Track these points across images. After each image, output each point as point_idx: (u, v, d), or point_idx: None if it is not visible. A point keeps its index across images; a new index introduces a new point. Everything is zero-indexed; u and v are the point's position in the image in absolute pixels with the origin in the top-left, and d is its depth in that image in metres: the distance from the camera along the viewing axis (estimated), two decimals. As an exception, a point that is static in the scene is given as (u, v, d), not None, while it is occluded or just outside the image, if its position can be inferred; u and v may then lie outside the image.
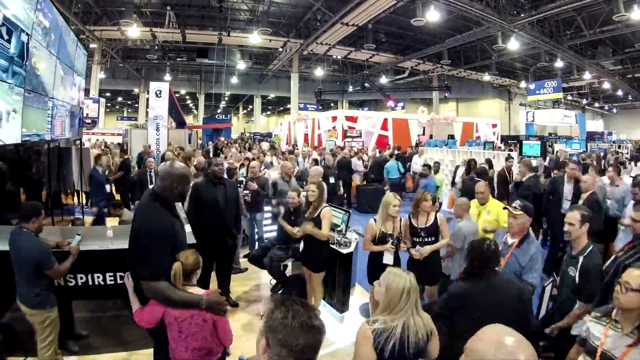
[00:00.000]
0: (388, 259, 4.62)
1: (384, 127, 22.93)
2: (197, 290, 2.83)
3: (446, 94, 31.09)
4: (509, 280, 3.18)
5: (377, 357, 2.33)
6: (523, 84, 31.20)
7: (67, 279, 4.25)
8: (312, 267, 5.09)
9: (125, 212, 6.67)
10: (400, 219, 4.79)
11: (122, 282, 4.06)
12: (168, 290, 2.72)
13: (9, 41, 4.52)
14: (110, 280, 4.32)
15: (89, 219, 9.16)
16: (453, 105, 40.73)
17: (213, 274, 5.54)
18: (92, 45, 24.43)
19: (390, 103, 31.04)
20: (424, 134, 24.98)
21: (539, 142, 15.07)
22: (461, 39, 22.08)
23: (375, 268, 4.78)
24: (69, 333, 4.38)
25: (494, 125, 28.26)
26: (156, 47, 26.91)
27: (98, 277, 4.33)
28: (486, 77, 31.96)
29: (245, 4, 21.56)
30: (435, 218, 4.78)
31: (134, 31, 21.93)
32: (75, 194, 10.61)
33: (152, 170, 9.10)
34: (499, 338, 1.35)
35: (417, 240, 4.74)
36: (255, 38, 22.16)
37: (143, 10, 21.67)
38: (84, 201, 10.56)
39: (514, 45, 20.96)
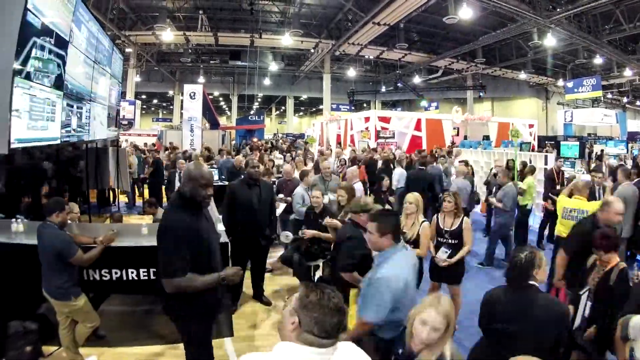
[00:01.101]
0: None
1: (418, 127, 22.59)
2: None
3: (481, 94, 30.30)
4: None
5: None
6: (560, 82, 30.14)
7: (102, 274, 4.39)
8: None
9: (159, 211, 6.82)
10: (423, 221, 4.77)
11: (155, 277, 4.20)
12: (186, 282, 2.82)
13: (49, 48, 4.70)
14: (144, 275, 4.46)
15: (125, 216, 9.43)
16: (488, 104, 39.72)
17: (247, 273, 5.63)
18: (127, 50, 25.19)
19: (424, 102, 30.69)
20: (458, 135, 24.54)
21: (578, 143, 14.56)
22: (495, 36, 21.49)
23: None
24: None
25: (531, 126, 27.30)
26: (190, 51, 27.49)
27: (132, 273, 4.48)
28: (522, 76, 31.05)
29: (276, 6, 21.72)
30: (462, 222, 4.80)
31: (167, 35, 22.48)
32: (112, 192, 10.98)
33: (182, 171, 9.18)
34: None
35: (441, 241, 4.80)
36: (287, 39, 22.30)
37: (176, 15, 22.18)
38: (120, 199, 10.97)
39: (550, 41, 20.24)
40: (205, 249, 3.00)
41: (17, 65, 3.98)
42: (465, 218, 4.87)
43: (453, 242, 4.74)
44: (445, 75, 32.02)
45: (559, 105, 34.70)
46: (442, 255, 4.78)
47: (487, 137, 24.00)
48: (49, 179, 7.09)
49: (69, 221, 4.26)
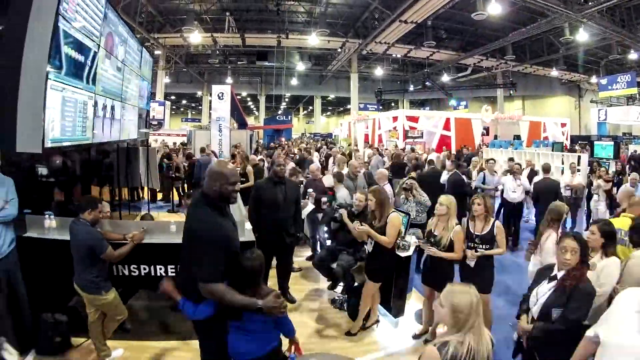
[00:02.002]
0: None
1: (447, 127, 22.37)
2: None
3: (511, 92, 29.69)
4: None
5: None
6: (594, 79, 29.27)
7: (131, 269, 4.53)
8: (370, 275, 4.94)
9: None
10: (457, 223, 4.65)
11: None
12: (224, 292, 2.78)
13: (80, 50, 4.88)
14: (172, 272, 4.54)
15: (155, 215, 9.65)
16: (519, 103, 38.83)
17: (272, 271, 5.73)
18: (156, 52, 25.90)
19: (453, 101, 30.30)
20: (488, 134, 24.14)
21: (612, 143, 14.18)
22: (526, 32, 21.01)
23: (423, 267, 4.91)
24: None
25: (563, 125, 26.69)
26: (217, 52, 27.89)
27: (160, 269, 4.59)
28: (554, 73, 30.27)
29: (302, 6, 21.85)
30: (493, 226, 4.57)
31: (195, 37, 22.89)
32: (142, 191, 11.26)
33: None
34: None
35: (471, 246, 4.58)
36: (314, 39, 22.41)
37: (203, 17, 22.59)
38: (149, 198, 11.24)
39: (582, 36, 19.75)
40: (234, 249, 2.99)
41: (50, 68, 4.13)
42: (497, 222, 4.64)
43: (484, 247, 4.53)
44: (475, 73, 31.57)
45: (592, 104, 33.36)
46: (471, 262, 4.59)
47: (518, 137, 23.62)
48: (80, 178, 7.31)
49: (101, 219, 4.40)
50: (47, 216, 4.62)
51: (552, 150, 14.06)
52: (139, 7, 19.42)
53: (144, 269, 4.58)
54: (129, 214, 9.32)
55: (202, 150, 12.32)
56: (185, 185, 12.69)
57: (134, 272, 4.58)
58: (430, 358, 2.23)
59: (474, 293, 2.33)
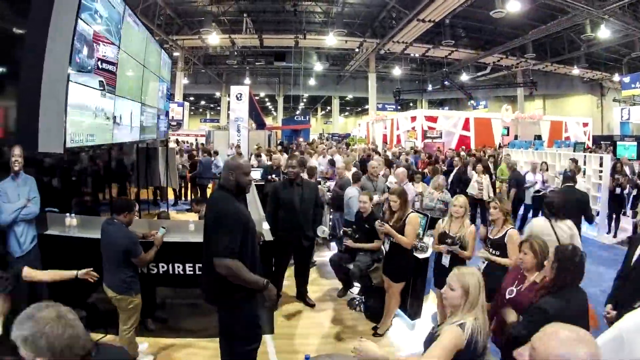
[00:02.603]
0: (445, 260, 4.51)
1: (466, 127, 22.19)
2: None
3: (532, 91, 29.23)
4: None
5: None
6: (616, 77, 28.54)
7: (150, 267, 4.62)
8: (392, 277, 4.90)
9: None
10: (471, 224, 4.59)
11: (200, 272, 4.36)
12: (238, 267, 2.97)
13: (100, 53, 4.99)
14: (190, 270, 4.62)
15: (174, 213, 9.78)
16: (539, 102, 38.12)
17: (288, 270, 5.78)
18: (175, 54, 26.28)
19: (472, 101, 29.99)
20: (508, 134, 23.81)
21: (636, 143, 13.88)
22: (546, 30, 20.64)
23: (436, 269, 4.78)
24: (150, 313, 4.75)
25: (585, 125, 26.21)
26: (235, 53, 28.11)
27: (178, 267, 4.67)
28: (575, 71, 29.58)
29: (319, 6, 21.87)
30: (506, 233, 4.34)
31: (213, 39, 23.19)
32: (161, 189, 11.43)
33: None
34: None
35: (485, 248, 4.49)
36: (331, 40, 22.44)
37: (221, 19, 22.79)
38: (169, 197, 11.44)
39: (604, 33, 19.24)
40: (250, 237, 3.18)
41: (70, 71, 4.24)
42: (511, 230, 4.35)
43: (495, 253, 4.33)
44: (494, 72, 31.13)
45: (615, 102, 32.54)
46: (444, 260, 4.54)
47: (538, 137, 23.20)
48: (100, 178, 7.48)
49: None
50: (68, 215, 4.74)
51: (574, 151, 13.75)
52: (157, 10, 19.71)
53: (162, 267, 4.66)
54: (148, 213, 9.47)
55: (205, 150, 12.50)
56: (189, 184, 12.84)
57: (152, 270, 4.65)
58: (455, 336, 2.34)
59: (478, 273, 2.54)
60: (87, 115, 4.83)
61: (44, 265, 4.25)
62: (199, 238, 4.46)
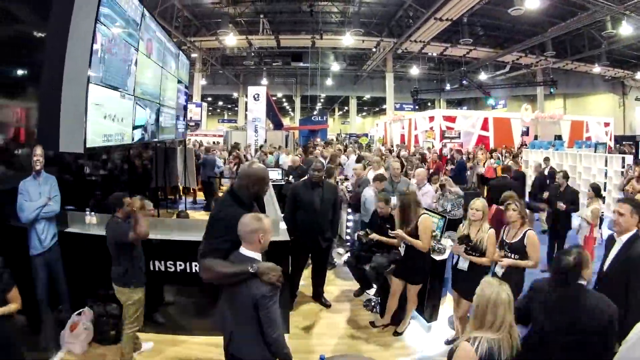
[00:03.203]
0: (462, 264, 4.44)
1: (485, 127, 21.95)
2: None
3: (552, 90, 28.52)
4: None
5: None
6: (639, 75, 28.15)
7: (167, 265, 4.71)
8: (410, 279, 4.87)
9: None
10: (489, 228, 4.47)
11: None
12: (215, 264, 2.76)
13: (119, 55, 5.09)
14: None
15: (191, 212, 9.91)
16: (560, 101, 37.38)
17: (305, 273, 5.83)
18: (193, 55, 26.54)
19: (491, 100, 29.65)
20: (527, 134, 23.47)
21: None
22: (565, 27, 20.19)
23: (453, 272, 4.68)
24: (164, 311, 4.86)
25: (607, 124, 25.61)
26: (252, 54, 28.32)
27: (195, 266, 4.71)
28: (596, 69, 28.94)
29: (335, 6, 21.86)
30: (524, 235, 4.29)
31: (231, 40, 23.46)
32: (179, 189, 11.61)
33: None
34: None
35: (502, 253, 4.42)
36: (348, 39, 22.44)
37: (238, 20, 22.97)
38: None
39: (626, 30, 18.66)
40: None
41: (90, 72, 4.35)
42: (529, 231, 4.30)
43: (514, 257, 4.29)
44: (513, 71, 30.66)
45: (638, 101, 31.97)
46: (462, 264, 4.44)
47: (559, 137, 22.70)
48: (119, 177, 7.64)
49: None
50: (88, 213, 4.86)
51: (595, 152, 13.44)
52: (175, 12, 19.96)
53: (180, 265, 4.74)
54: (166, 212, 9.62)
55: (207, 150, 12.64)
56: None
57: (170, 268, 4.74)
58: (464, 355, 2.32)
59: (500, 291, 2.41)
60: (107, 115, 4.93)
61: (65, 262, 4.38)
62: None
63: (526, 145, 19.48)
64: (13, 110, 4.36)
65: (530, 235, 4.25)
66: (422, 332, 5.21)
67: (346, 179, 9.62)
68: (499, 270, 4.39)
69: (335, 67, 30.54)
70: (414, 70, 31.02)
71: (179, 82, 9.35)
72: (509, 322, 2.37)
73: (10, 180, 4.09)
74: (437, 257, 5.12)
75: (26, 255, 4.17)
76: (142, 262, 4.19)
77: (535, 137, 22.85)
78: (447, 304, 5.68)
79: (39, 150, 4.11)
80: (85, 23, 4.27)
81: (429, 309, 5.31)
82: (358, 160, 9.95)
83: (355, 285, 6.13)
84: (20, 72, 4.51)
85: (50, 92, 4.26)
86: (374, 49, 27.22)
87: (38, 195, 4.12)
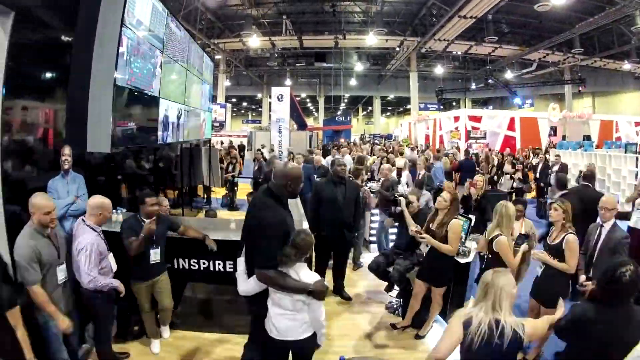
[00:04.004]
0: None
1: (511, 127, 21.58)
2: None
3: (580, 88, 27.86)
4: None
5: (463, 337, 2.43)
6: (672, 72, 27.25)
7: (191, 263, 4.81)
8: (433, 281, 4.77)
9: None
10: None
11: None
12: (277, 278, 3.02)
13: (144, 57, 5.23)
14: (230, 267, 4.74)
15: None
16: (588, 100, 36.24)
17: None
18: (217, 57, 27.01)
19: (518, 99, 29.14)
20: (555, 135, 22.95)
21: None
22: (593, 23, 19.65)
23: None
24: (186, 308, 4.96)
25: (638, 124, 24.75)
26: (276, 55, 28.64)
27: (219, 264, 4.83)
28: (626, 66, 28.00)
29: (358, 6, 21.89)
30: (564, 239, 4.07)
31: (254, 41, 23.77)
32: (204, 188, 11.78)
33: None
34: None
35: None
36: (371, 39, 22.41)
37: (261, 21, 23.25)
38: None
39: (656, 25, 18.38)
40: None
41: (117, 75, 4.48)
42: (569, 235, 4.06)
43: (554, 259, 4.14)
44: (540, 69, 30.09)
45: (670, 99, 30.98)
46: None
47: (587, 137, 22.10)
48: (146, 176, 7.80)
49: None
50: (115, 211, 4.99)
51: (625, 152, 13.00)
52: (198, 15, 20.27)
53: (203, 263, 4.83)
54: (191, 211, 9.79)
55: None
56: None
57: (194, 265, 4.83)
58: (455, 322, 2.54)
59: (509, 278, 2.54)
60: (133, 116, 5.07)
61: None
62: (239, 236, 4.71)
63: (553, 145, 19.07)
64: (42, 112, 4.50)
65: (569, 239, 4.05)
66: None
67: (370, 180, 9.61)
68: (538, 270, 4.31)
69: (359, 67, 30.52)
70: (439, 70, 30.82)
71: (204, 83, 9.50)
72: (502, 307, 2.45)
73: (40, 178, 4.23)
74: (462, 260, 5.02)
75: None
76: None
77: (563, 138, 22.31)
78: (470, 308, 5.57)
79: (67, 150, 4.25)
80: (110, 27, 4.40)
81: (452, 313, 5.15)
82: (360, 162, 9.93)
83: (379, 285, 6.08)
84: (49, 75, 4.65)
85: (78, 94, 4.40)
86: (397, 48, 27.14)
87: (66, 193, 4.25)
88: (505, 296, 2.43)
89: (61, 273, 3.50)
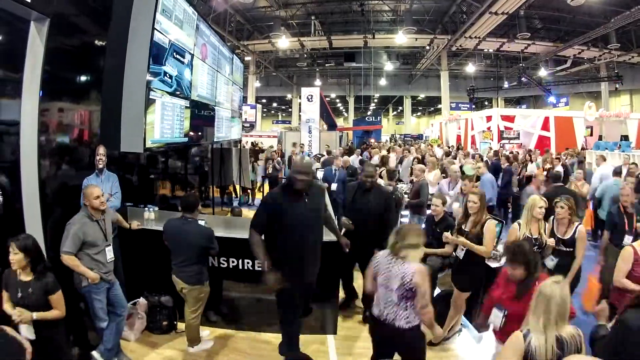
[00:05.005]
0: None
1: (545, 126, 20.83)
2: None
3: (617, 86, 26.76)
4: None
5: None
6: None
7: (220, 261, 4.91)
8: (458, 284, 4.67)
9: None
10: (545, 224, 4.42)
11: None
12: (251, 237, 3.77)
13: (176, 60, 5.37)
14: (258, 267, 4.77)
15: (245, 211, 10.20)
16: (626, 98, 34.50)
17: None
18: (247, 58, 27.33)
19: (552, 98, 28.40)
20: (591, 135, 22.18)
21: None
22: (630, 16, 18.36)
23: None
24: (213, 306, 4.97)
25: (678, 123, 23.91)
26: (305, 55, 28.79)
27: (248, 263, 4.92)
28: (666, 62, 27.19)
29: (386, 4, 21.74)
30: (575, 230, 4.35)
31: (283, 42, 23.95)
32: (234, 188, 11.99)
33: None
34: None
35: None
36: (401, 38, 22.23)
37: (290, 22, 23.41)
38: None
39: (699, 17, 17.52)
40: (288, 224, 3.72)
41: (149, 77, 4.63)
42: (580, 227, 4.41)
43: (567, 251, 4.37)
44: (575, 66, 29.02)
45: None
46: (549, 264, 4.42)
47: (625, 137, 21.23)
48: (178, 175, 8.01)
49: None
50: (147, 209, 5.15)
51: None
52: (228, 17, 20.58)
53: (233, 261, 4.93)
54: (221, 210, 9.96)
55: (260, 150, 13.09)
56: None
57: (223, 264, 4.93)
58: (513, 341, 2.38)
59: (561, 289, 2.40)
60: (165, 117, 5.22)
61: (123, 255, 4.65)
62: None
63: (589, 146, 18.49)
64: (77, 113, 4.69)
65: (581, 231, 4.38)
66: (472, 342, 4.94)
67: (399, 181, 9.55)
68: (551, 264, 4.36)
69: (389, 66, 30.33)
70: (470, 68, 30.27)
71: (234, 84, 9.67)
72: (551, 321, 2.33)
73: (75, 177, 4.40)
74: (492, 264, 4.86)
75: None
76: None
77: (600, 138, 21.54)
78: (501, 313, 5.41)
79: (101, 150, 4.43)
80: (142, 31, 4.55)
81: (480, 319, 4.97)
82: (384, 162, 9.89)
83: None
84: (83, 78, 4.85)
85: (112, 95, 4.57)
86: (427, 47, 26.81)
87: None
88: (565, 309, 2.36)
89: (109, 253, 4.00)
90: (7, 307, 3.13)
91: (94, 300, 3.84)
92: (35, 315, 3.09)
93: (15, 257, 3.07)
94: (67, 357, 3.54)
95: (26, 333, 3.05)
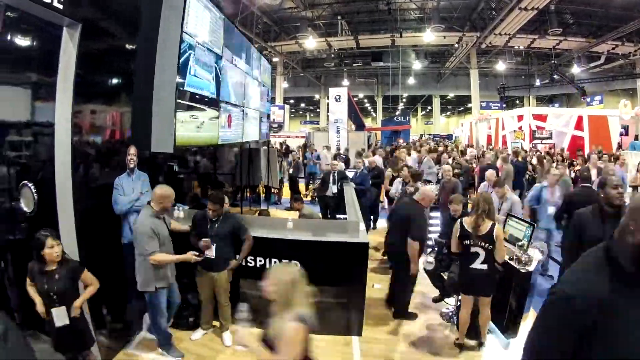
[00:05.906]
0: None
1: (579, 126, 20.16)
2: None
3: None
4: None
5: None
6: None
7: (247, 260, 4.99)
8: (480, 292, 4.57)
9: (305, 207, 7.04)
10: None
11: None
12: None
13: (204, 62, 5.47)
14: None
15: (274, 211, 10.30)
16: None
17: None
18: (274, 59, 27.67)
19: (585, 97, 27.57)
20: (627, 134, 21.39)
21: None
22: None
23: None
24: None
25: None
26: (332, 55, 28.86)
27: (274, 262, 4.95)
28: None
29: (413, 2, 21.60)
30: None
31: (310, 43, 24.14)
32: (262, 188, 12.10)
33: (336, 171, 9.47)
34: None
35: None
36: (429, 36, 22.06)
37: (316, 23, 23.54)
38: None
39: None
40: None
41: (179, 79, 4.73)
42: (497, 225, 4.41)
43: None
44: (609, 63, 28.01)
45: None
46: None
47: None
48: (207, 175, 8.15)
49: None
50: (176, 208, 5.26)
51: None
52: (255, 19, 20.82)
53: (260, 260, 5.01)
54: (249, 209, 10.08)
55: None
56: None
57: (250, 263, 5.02)
58: None
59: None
60: (194, 118, 5.32)
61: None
62: (297, 235, 4.96)
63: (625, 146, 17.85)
64: (109, 115, 4.82)
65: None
66: (500, 348, 4.85)
67: (428, 182, 9.46)
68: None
69: (417, 65, 30.16)
70: (500, 66, 29.69)
71: (262, 85, 9.76)
72: None
73: (107, 177, 4.53)
74: (522, 269, 4.70)
75: (118, 242, 4.66)
76: None
77: (636, 137, 20.70)
78: (530, 320, 5.05)
79: (132, 150, 4.55)
80: (171, 34, 4.65)
81: (508, 324, 4.92)
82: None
83: (431, 293, 5.98)
84: (114, 80, 4.99)
85: (142, 97, 4.68)
86: (456, 45, 26.52)
87: (131, 190, 4.56)
88: None
89: (171, 249, 4.33)
90: (34, 296, 3.38)
91: (160, 301, 4.22)
92: (79, 300, 3.45)
93: (58, 248, 3.33)
94: (91, 341, 3.73)
95: (58, 319, 3.32)
